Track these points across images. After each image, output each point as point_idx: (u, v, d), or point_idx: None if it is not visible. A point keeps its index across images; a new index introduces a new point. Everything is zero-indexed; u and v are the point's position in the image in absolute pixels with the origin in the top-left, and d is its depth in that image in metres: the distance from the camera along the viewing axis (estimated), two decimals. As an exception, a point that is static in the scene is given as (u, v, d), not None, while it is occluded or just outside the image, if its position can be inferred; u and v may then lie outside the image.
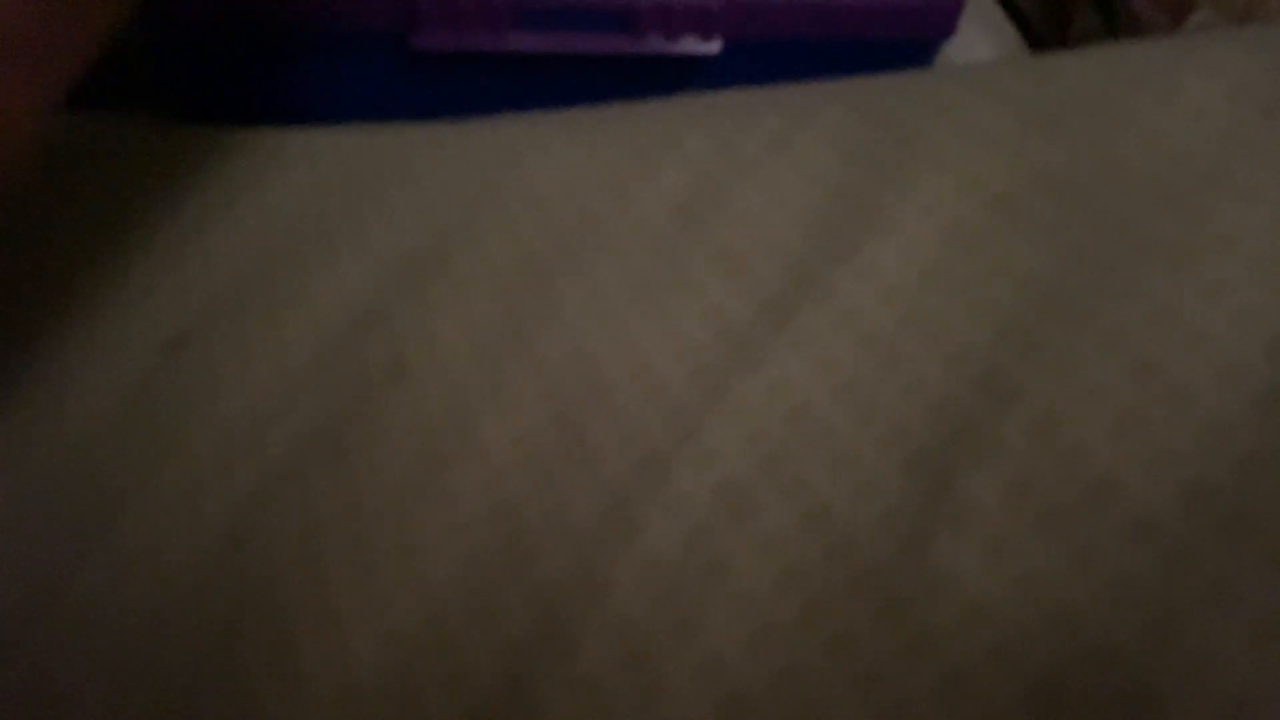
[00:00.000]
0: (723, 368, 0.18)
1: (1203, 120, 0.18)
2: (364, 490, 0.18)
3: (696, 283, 0.19)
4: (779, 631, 0.15)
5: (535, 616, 0.16)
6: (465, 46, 0.29)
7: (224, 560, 0.18)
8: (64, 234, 0.26)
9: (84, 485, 0.20)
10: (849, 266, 0.18)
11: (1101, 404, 0.15)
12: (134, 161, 0.29)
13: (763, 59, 0.32)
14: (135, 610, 0.18)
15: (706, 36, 0.30)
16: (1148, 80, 0.19)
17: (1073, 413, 0.15)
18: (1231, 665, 0.12)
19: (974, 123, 0.19)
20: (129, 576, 0.18)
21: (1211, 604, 0.13)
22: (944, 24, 0.32)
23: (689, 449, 0.17)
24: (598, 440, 0.18)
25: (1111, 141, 0.18)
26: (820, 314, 0.18)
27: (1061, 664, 0.13)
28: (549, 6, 0.29)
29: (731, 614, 0.15)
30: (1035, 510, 0.14)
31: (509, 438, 0.18)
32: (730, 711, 0.14)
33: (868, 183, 0.19)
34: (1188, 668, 0.12)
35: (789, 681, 0.14)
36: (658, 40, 0.30)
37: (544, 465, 0.17)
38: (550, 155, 0.24)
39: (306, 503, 0.18)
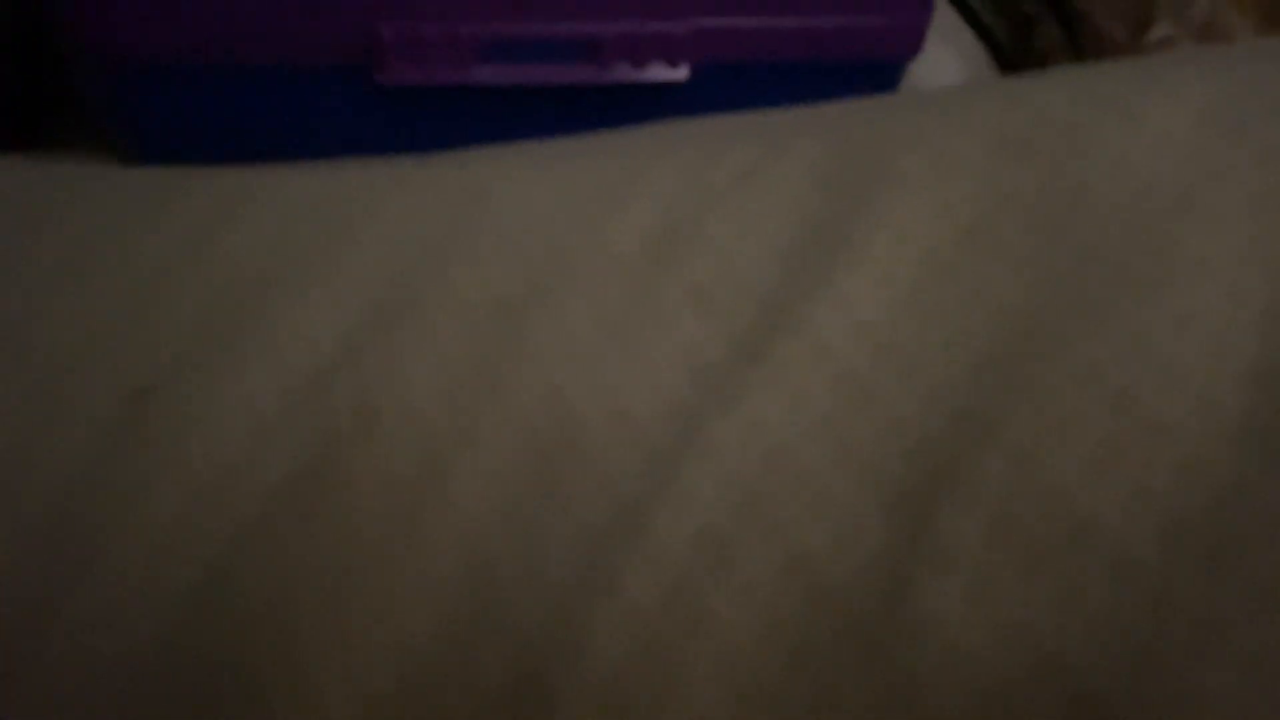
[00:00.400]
0: (697, 408, 0.18)
1: (1168, 146, 0.18)
2: (337, 546, 0.18)
3: (669, 319, 0.19)
4: (764, 686, 0.14)
5: (514, 675, 0.15)
6: (429, 80, 0.29)
7: (194, 624, 0.18)
8: (19, 282, 0.26)
9: (46, 549, 0.19)
10: (821, 299, 0.18)
11: (1079, 440, 0.15)
12: (92, 205, 0.28)
13: (730, 83, 0.32)
14: (103, 681, 0.18)
15: (673, 63, 0.30)
16: (1113, 106, 0.19)
17: (1051, 449, 0.15)
18: (1219, 706, 0.12)
19: (944, 151, 0.19)
20: (95, 646, 0.18)
21: (1196, 643, 0.13)
22: (910, 43, 0.32)
23: (666, 495, 0.17)
24: (573, 488, 0.17)
25: (1079, 169, 0.18)
26: (793, 349, 0.18)
27: (1048, 712, 0.13)
28: (513, 38, 0.29)
29: (715, 669, 0.15)
30: (1017, 552, 0.14)
31: (482, 488, 0.18)
32: None
33: (839, 213, 0.19)
34: (1175, 711, 0.12)
35: None
36: (624, 69, 0.30)
37: (519, 516, 0.17)
38: (518, 191, 0.24)
39: (278, 560, 0.18)
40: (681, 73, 0.30)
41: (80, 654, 0.18)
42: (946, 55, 0.38)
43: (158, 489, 0.19)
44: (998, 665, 0.13)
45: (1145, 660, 0.13)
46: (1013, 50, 0.42)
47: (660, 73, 0.30)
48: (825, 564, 0.15)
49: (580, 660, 0.15)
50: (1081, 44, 0.39)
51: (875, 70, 0.33)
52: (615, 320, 0.20)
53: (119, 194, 0.28)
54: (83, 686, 0.18)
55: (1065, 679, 0.13)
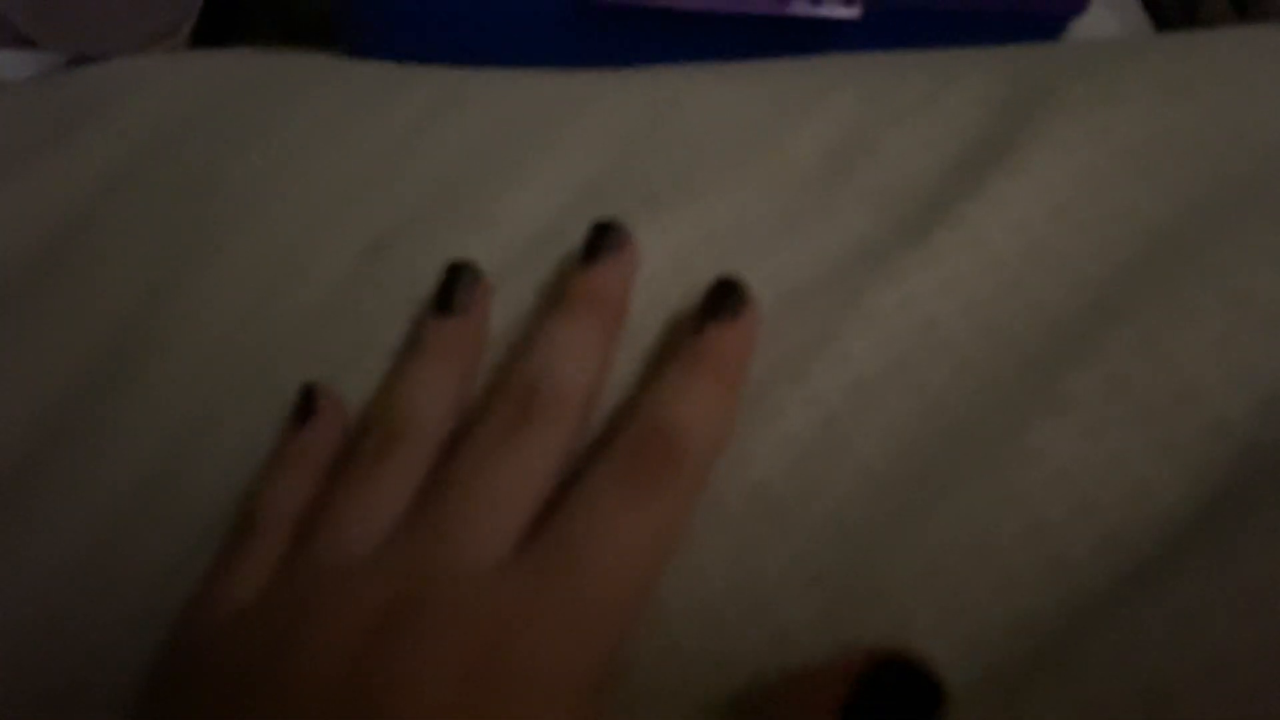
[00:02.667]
0: (860, 283, 0.21)
1: None
2: None
3: (842, 216, 0.22)
4: (891, 490, 0.18)
5: None
6: (631, 1, 0.32)
7: None
8: (271, 149, 0.30)
9: (305, 357, 0.24)
10: (982, 200, 0.21)
11: (1198, 326, 0.17)
12: (330, 88, 0.32)
13: (898, 26, 0.34)
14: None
15: (849, 2, 0.33)
16: (1278, 58, 0.20)
17: (1171, 332, 0.17)
18: None
19: (1110, 84, 0.21)
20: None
21: (1275, 487, 0.15)
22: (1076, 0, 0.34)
23: (825, 350, 0.20)
24: None
25: (1239, 112, 0.20)
26: (951, 239, 0.20)
27: (1138, 525, 0.16)
28: (706, -32, 0.32)
29: (852, 483, 0.18)
30: (1128, 405, 0.17)
31: (662, 340, 0.21)
32: (853, 555, 0.17)
33: (1006, 130, 0.22)
34: (1247, 539, 0.15)
35: (902, 530, 0.17)
36: (803, 4, 0.32)
37: None
38: (707, 100, 0.27)
39: None
40: (855, 11, 0.33)
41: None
42: (1109, 17, 0.39)
43: (391, 325, 0.24)
44: (1099, 489, 0.16)
45: (1227, 497, 0.15)
46: (1177, 21, 0.43)
47: (836, 10, 0.33)
48: (958, 408, 0.18)
49: (743, 470, 0.19)
50: (1250, 18, 0.39)
51: (1038, 24, 0.35)
52: (791, 213, 0.23)
53: (354, 80, 0.32)
54: None
55: (1157, 506, 0.16)
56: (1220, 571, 0.14)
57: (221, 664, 0.17)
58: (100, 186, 0.31)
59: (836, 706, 0.14)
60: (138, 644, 0.21)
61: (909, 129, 0.23)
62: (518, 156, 0.27)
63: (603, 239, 0.22)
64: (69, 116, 0.34)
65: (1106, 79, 0.21)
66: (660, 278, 0.23)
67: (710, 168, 0.25)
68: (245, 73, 0.34)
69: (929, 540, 0.17)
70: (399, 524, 0.19)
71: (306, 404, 0.22)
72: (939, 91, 0.23)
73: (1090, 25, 0.36)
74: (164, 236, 0.29)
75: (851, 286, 0.21)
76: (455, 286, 0.23)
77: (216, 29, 0.44)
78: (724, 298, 0.20)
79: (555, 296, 0.22)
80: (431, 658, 0.15)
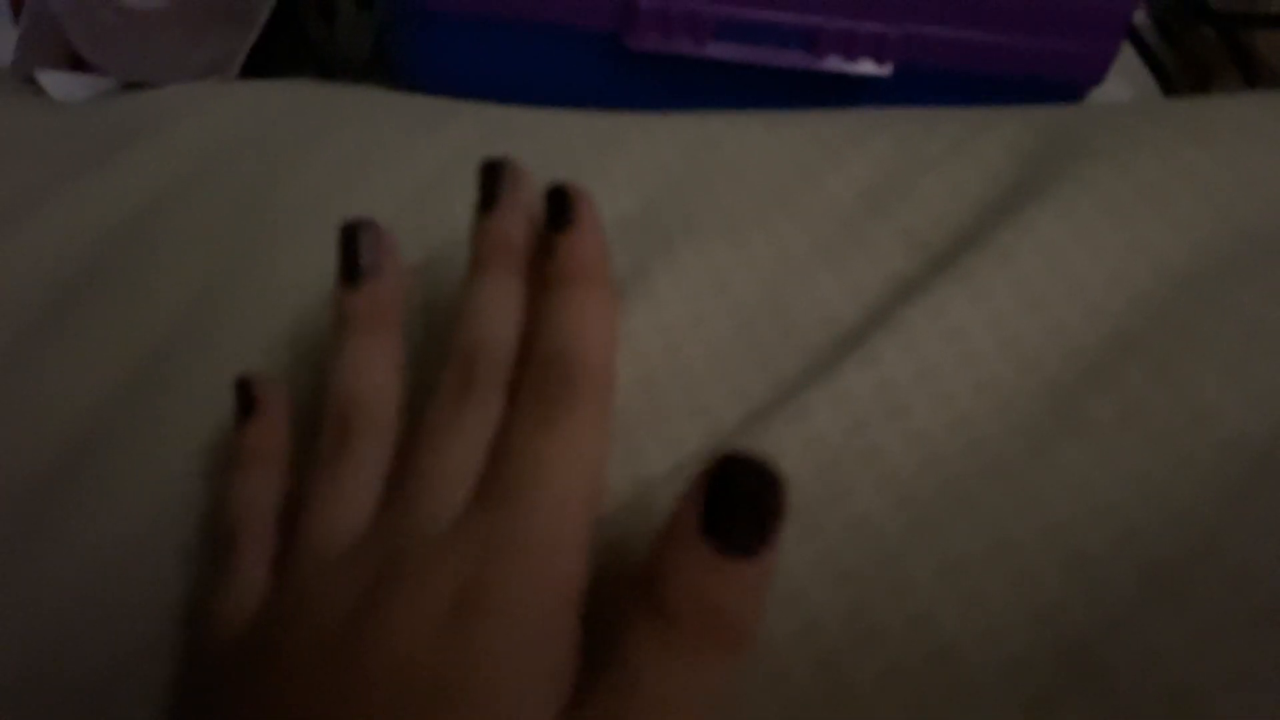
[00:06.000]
0: (892, 305, 0.21)
1: None
2: None
3: (880, 254, 0.23)
4: (918, 500, 0.18)
5: None
6: (671, 50, 0.34)
7: None
8: (319, 170, 0.31)
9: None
10: (1008, 225, 0.22)
11: (1212, 354, 0.18)
12: (382, 118, 0.33)
13: (925, 86, 0.35)
14: None
15: (880, 61, 0.34)
16: None
17: (1186, 360, 0.18)
18: None
19: (1133, 131, 0.22)
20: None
21: None
22: (1096, 69, 0.35)
23: (856, 356, 0.21)
24: (778, 357, 0.22)
25: (1255, 159, 0.21)
26: (980, 258, 0.21)
27: (1156, 526, 0.17)
28: (745, 21, 0.34)
29: (877, 487, 0.19)
30: (1144, 429, 0.18)
31: (706, 356, 0.22)
32: (877, 552, 0.18)
33: (1035, 174, 0.23)
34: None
35: (924, 531, 0.18)
36: (837, 60, 0.34)
37: (731, 370, 0.22)
38: (748, 141, 0.28)
39: None
40: (886, 70, 0.34)
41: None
42: (1123, 87, 0.41)
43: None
44: (1117, 494, 0.17)
45: (1249, 502, 0.16)
46: (1189, 94, 0.45)
47: (868, 67, 0.34)
48: (985, 423, 0.19)
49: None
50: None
51: (1058, 91, 0.36)
52: (829, 246, 0.24)
53: (404, 109, 0.33)
54: None
55: (1175, 509, 0.17)
56: (1238, 587, 0.15)
57: (256, 669, 0.18)
58: (154, 199, 0.32)
59: (700, 524, 0.16)
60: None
61: (942, 173, 0.24)
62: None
63: (493, 183, 0.23)
64: (124, 135, 0.35)
65: (1130, 127, 0.23)
66: (701, 296, 0.24)
67: (750, 200, 0.26)
68: (299, 99, 0.36)
69: (949, 540, 0.18)
70: (377, 507, 0.20)
71: (246, 397, 0.23)
72: (970, 139, 0.25)
73: (1106, 94, 0.38)
74: (215, 247, 0.30)
75: (884, 308, 0.21)
76: (357, 250, 0.23)
77: (258, 70, 0.46)
78: (559, 206, 0.21)
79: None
80: (413, 604, 0.17)
